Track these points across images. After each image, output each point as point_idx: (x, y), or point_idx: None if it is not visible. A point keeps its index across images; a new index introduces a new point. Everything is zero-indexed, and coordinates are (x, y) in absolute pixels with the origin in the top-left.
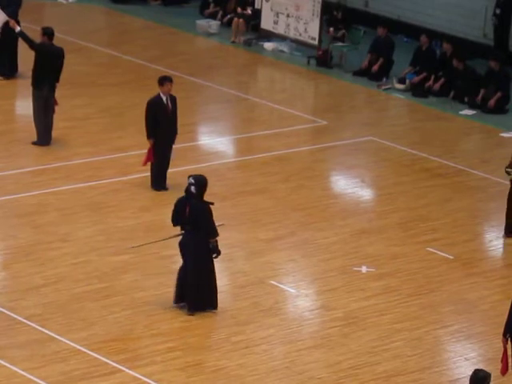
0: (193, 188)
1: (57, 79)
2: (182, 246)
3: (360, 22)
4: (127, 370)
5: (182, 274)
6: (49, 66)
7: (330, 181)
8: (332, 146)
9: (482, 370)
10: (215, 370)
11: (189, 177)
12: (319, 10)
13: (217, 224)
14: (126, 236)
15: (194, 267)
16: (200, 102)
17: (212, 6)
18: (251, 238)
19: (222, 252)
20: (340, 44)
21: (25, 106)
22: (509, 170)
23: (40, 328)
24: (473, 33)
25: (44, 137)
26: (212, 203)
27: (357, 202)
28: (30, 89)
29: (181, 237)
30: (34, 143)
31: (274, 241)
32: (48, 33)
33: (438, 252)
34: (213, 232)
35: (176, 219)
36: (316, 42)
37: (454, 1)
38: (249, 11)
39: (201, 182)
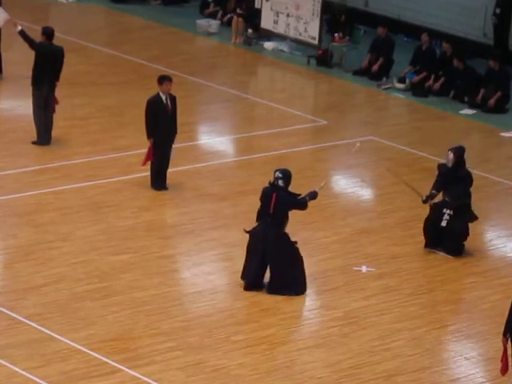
0: (280, 182)
1: (57, 78)
2: (261, 237)
3: (360, 22)
4: (127, 370)
5: (256, 265)
6: (48, 65)
7: (330, 180)
8: (332, 145)
9: None
10: (215, 370)
11: (275, 171)
12: (319, 10)
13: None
14: (126, 236)
15: (283, 259)
16: (200, 101)
17: (212, 5)
18: None
19: (220, 252)
20: (340, 44)
21: (25, 106)
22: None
23: (40, 327)
24: (473, 32)
25: (44, 136)
26: (299, 195)
27: (357, 201)
28: (30, 88)
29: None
30: (34, 143)
31: None
32: (48, 32)
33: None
34: (304, 207)
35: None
36: (316, 42)
37: (454, 0)
38: (250, 31)
39: (287, 175)
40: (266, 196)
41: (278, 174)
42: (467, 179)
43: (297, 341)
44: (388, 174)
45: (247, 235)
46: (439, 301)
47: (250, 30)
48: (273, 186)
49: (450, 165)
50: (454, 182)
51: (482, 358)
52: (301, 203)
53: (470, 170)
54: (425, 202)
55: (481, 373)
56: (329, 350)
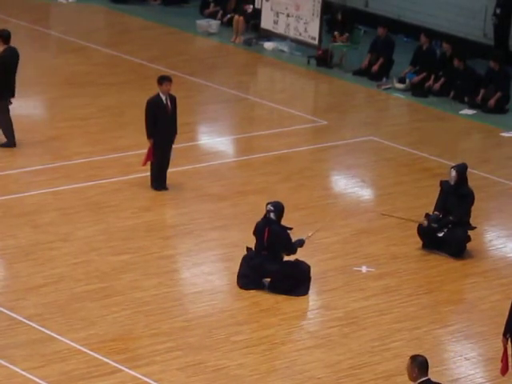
0: (272, 214)
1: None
2: (265, 271)
3: (360, 22)
4: (127, 370)
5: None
6: (12, 71)
7: (330, 180)
8: (332, 145)
9: (417, 355)
10: (215, 370)
11: (267, 204)
12: (319, 10)
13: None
14: (126, 236)
15: (288, 279)
16: (200, 101)
17: (212, 5)
18: (251, 238)
19: (220, 252)
20: (340, 44)
21: (24, 106)
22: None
23: (40, 328)
24: (473, 32)
25: (12, 139)
26: (291, 228)
27: (357, 201)
28: None
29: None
30: (3, 145)
31: None
32: (5, 36)
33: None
34: (292, 251)
35: (256, 244)
36: (316, 42)
37: (454, 0)
38: (250, 7)
39: (279, 208)
40: (258, 231)
41: (270, 207)
42: (469, 197)
43: (297, 341)
44: (388, 173)
45: (247, 236)
46: (439, 301)
47: (251, 6)
48: (265, 219)
49: (452, 182)
50: (457, 199)
51: (481, 359)
52: (291, 248)
53: (472, 188)
54: (429, 225)
55: (481, 373)
56: (329, 350)
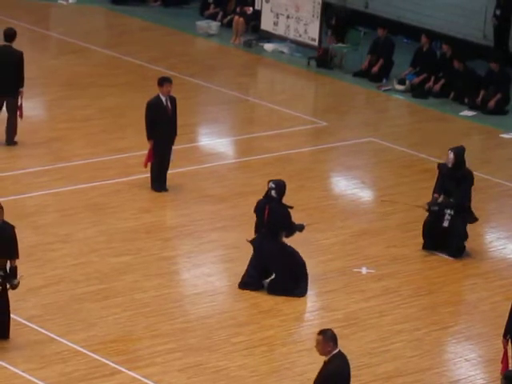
0: (273, 192)
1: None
2: (259, 250)
3: (360, 23)
4: (127, 371)
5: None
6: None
7: (330, 182)
8: (332, 146)
9: (325, 329)
10: (215, 371)
11: (269, 182)
12: (319, 11)
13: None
14: (126, 237)
15: (284, 268)
16: (200, 102)
17: (212, 7)
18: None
19: (221, 253)
20: (340, 45)
21: (25, 107)
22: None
23: (40, 329)
24: (473, 34)
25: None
26: (291, 207)
27: (357, 203)
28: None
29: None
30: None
31: None
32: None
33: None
34: (292, 233)
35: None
36: (316, 43)
37: (453, 2)
38: (250, 9)
39: (281, 186)
40: (259, 208)
41: (271, 185)
42: (468, 179)
43: (297, 342)
44: (388, 175)
45: (247, 237)
46: (439, 302)
47: (251, 8)
48: (266, 197)
49: (450, 165)
50: (455, 182)
51: (482, 360)
52: (291, 227)
53: (470, 169)
54: (429, 209)
55: (481, 374)
56: None
